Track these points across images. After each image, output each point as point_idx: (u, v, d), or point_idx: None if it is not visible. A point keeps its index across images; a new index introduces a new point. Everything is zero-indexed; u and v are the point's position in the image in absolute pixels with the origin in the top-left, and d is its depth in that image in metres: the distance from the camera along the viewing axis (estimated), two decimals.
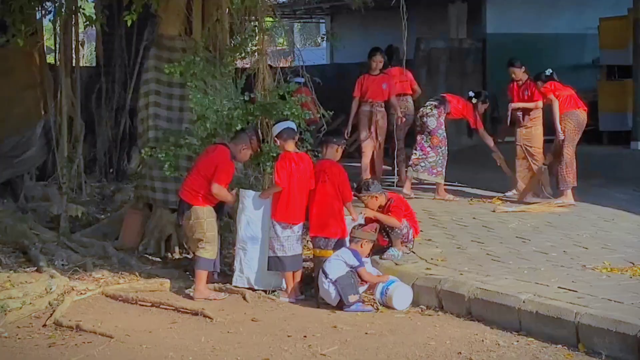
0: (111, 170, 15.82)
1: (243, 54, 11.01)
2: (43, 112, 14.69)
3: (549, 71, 13.16)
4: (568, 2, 20.68)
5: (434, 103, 13.87)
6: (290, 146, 9.56)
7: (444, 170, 13.64)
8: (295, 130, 9.68)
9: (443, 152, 13.67)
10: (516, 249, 10.08)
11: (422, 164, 13.59)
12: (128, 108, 15.86)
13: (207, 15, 11.09)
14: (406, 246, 9.93)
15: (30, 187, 14.18)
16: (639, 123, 16.85)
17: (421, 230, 10.69)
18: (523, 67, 13.85)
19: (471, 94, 14.13)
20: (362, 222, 9.78)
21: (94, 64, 18.63)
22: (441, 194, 13.67)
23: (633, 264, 9.21)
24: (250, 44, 10.92)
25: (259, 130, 10.36)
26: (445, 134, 13.73)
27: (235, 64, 11.11)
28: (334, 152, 9.73)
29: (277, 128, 9.63)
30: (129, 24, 10.11)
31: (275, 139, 9.63)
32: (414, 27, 21.52)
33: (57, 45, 14.26)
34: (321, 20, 29.94)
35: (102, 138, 16.01)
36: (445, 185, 13.90)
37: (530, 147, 13.48)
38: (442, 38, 21.00)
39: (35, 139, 14.24)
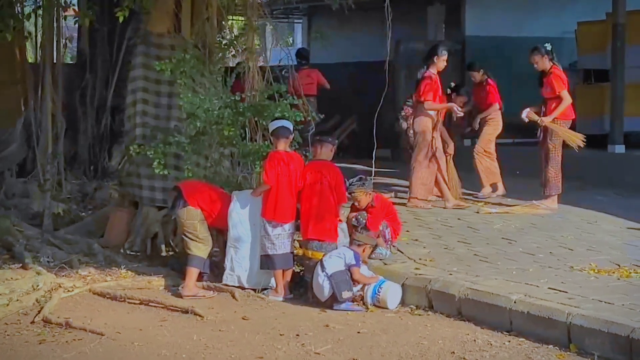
0: (92, 168, 15.72)
1: (233, 52, 11.01)
2: (23, 109, 14.61)
3: (548, 46, 12.97)
4: (546, 6, 20.76)
5: (406, 106, 13.91)
6: (282, 145, 9.56)
7: None
8: (290, 130, 9.69)
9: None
10: (503, 250, 10.14)
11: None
12: (109, 105, 15.77)
13: (196, 13, 11.07)
14: (393, 245, 10.00)
15: (10, 183, 14.07)
16: (617, 127, 16.95)
17: (407, 231, 10.78)
18: (481, 69, 14.00)
19: (452, 84, 14.04)
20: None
21: (70, 62, 18.49)
22: None
23: (619, 265, 9.29)
24: (240, 42, 10.90)
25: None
26: None
27: (226, 62, 11.08)
28: (328, 151, 9.76)
29: (272, 126, 9.66)
30: (120, 20, 10.07)
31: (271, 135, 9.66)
32: (393, 28, 21.69)
33: (39, 42, 14.23)
34: (296, 21, 29.90)
35: (83, 135, 15.91)
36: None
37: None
38: (422, 40, 21.02)
39: (16, 136, 14.17)
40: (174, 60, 10.44)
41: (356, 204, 10.01)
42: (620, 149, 16.75)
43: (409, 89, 18.67)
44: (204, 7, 10.97)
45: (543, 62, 12.88)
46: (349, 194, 9.92)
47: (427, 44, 20.84)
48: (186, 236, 9.60)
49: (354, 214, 10.01)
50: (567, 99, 12.76)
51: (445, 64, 13.15)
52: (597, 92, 18.03)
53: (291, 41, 35.15)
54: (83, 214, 13.07)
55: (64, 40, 13.73)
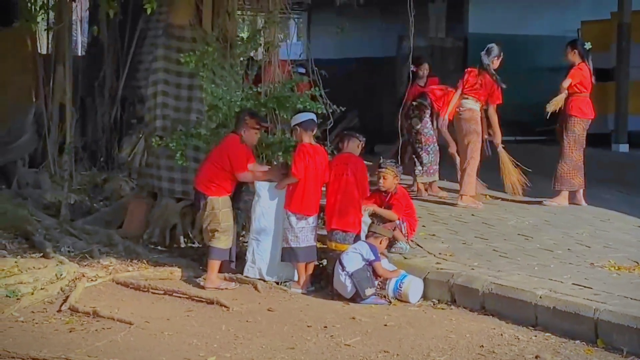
0: (102, 159, 15.74)
1: (255, 46, 11.06)
2: (34, 99, 14.62)
3: (587, 45, 13.06)
4: (549, 4, 20.84)
5: (415, 104, 13.93)
6: (307, 138, 9.62)
7: (437, 167, 13.72)
8: (316, 122, 9.77)
9: (433, 149, 13.69)
10: (521, 246, 10.23)
11: (419, 168, 13.65)
12: (120, 96, 15.78)
13: (217, 6, 11.12)
14: (410, 240, 10.09)
15: (22, 174, 14.08)
16: (622, 125, 17.07)
17: (423, 226, 10.83)
18: None
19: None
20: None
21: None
22: (434, 191, 13.75)
23: (638, 263, 9.37)
24: (261, 36, 10.96)
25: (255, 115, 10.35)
26: (432, 131, 13.74)
27: (248, 55, 11.13)
28: (355, 146, 9.83)
29: (300, 117, 9.69)
30: (149, 11, 10.11)
31: (297, 127, 9.66)
32: (395, 25, 21.74)
33: (51, 33, 14.25)
34: (292, 16, 29.89)
35: (93, 126, 15.92)
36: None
37: None
38: (424, 37, 21.10)
39: (27, 126, 14.17)
40: (197, 52, 10.47)
41: (381, 181, 10.03)
42: (624, 147, 16.87)
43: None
44: (225, 0, 11.03)
45: (572, 56, 13.05)
46: (379, 169, 10.00)
47: (429, 41, 21.09)
48: (208, 228, 9.63)
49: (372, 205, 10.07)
50: (563, 84, 12.91)
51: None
52: (600, 91, 18.10)
53: (281, 37, 35.17)
54: (95, 205, 13.12)
55: (89, 31, 13.71)
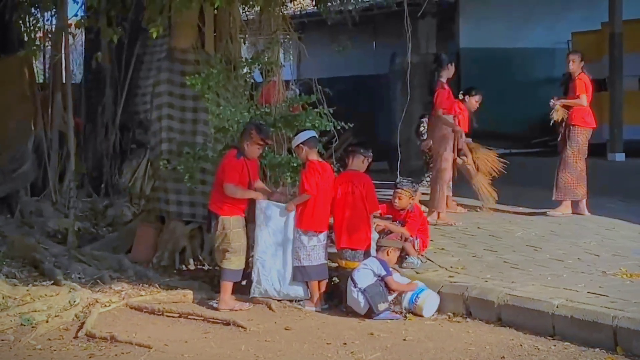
0: (102, 185, 15.72)
1: (259, 66, 11.09)
2: (33, 128, 14.62)
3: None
4: (539, 17, 21.00)
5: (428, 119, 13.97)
6: (314, 155, 9.64)
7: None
8: (317, 139, 9.81)
9: None
10: (531, 257, 10.27)
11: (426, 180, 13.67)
12: (118, 122, 15.79)
13: (219, 28, 11.16)
14: (421, 254, 10.12)
15: (25, 202, 14.07)
16: (617, 135, 17.16)
17: (432, 240, 10.84)
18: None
19: (461, 93, 14.10)
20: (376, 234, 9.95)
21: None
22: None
23: None
24: (262, 58, 11.00)
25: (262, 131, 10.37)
26: None
27: (252, 77, 11.17)
28: (360, 162, 9.80)
29: (304, 136, 9.68)
30: (154, 36, 10.13)
31: (301, 145, 9.64)
32: (387, 42, 21.82)
33: (49, 61, 14.27)
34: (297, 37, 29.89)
35: (93, 153, 15.92)
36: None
37: None
38: (416, 53, 21.15)
39: (28, 154, 14.17)
40: (202, 74, 10.48)
41: (396, 201, 10.10)
42: (620, 157, 16.96)
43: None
44: (227, 22, 11.06)
45: (577, 65, 13.22)
46: (396, 188, 10.07)
47: (421, 57, 21.15)
48: (219, 248, 9.64)
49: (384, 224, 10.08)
50: (583, 102, 13.08)
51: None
52: (594, 102, 18.18)
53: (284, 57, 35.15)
54: (99, 231, 13.12)
55: (87, 59, 13.75)
